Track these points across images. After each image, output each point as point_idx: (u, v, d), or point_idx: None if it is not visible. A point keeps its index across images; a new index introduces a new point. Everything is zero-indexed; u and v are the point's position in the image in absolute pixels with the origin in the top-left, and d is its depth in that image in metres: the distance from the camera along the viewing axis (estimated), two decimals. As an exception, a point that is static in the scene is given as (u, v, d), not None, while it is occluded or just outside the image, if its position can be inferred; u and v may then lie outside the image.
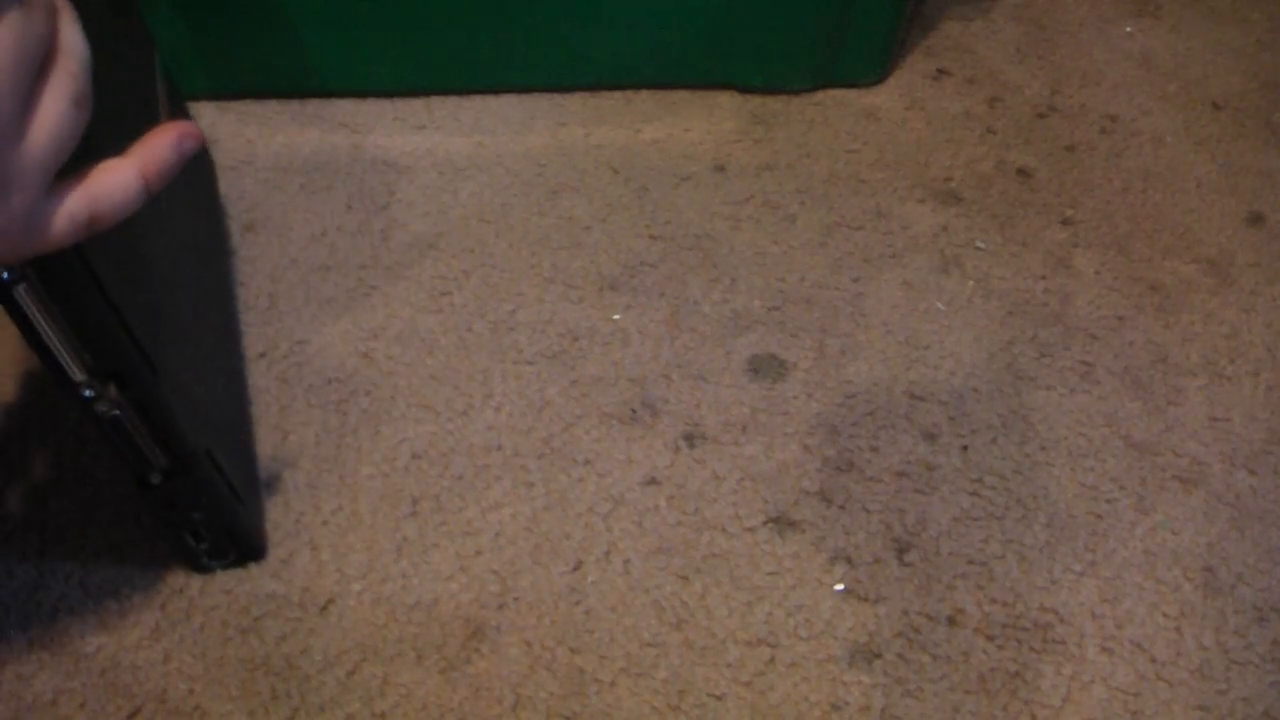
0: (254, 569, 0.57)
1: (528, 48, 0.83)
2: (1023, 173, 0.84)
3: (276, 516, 0.60)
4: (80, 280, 0.43)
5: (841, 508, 0.61)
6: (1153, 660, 0.55)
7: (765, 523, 0.60)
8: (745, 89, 0.89)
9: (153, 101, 0.59)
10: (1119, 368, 0.70)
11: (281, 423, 0.63)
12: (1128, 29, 0.99)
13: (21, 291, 0.42)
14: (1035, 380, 0.69)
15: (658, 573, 0.58)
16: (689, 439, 0.64)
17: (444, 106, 0.84)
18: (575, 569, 0.58)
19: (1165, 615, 0.57)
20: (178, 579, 0.57)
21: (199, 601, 0.56)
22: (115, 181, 0.36)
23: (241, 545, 0.57)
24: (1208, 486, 0.63)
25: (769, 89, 0.89)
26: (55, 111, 0.33)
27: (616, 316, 0.71)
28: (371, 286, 0.71)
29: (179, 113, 0.67)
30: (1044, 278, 0.75)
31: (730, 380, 0.67)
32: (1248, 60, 0.96)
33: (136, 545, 0.58)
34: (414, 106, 0.84)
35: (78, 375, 0.46)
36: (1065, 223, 0.80)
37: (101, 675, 0.53)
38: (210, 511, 0.54)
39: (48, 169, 0.33)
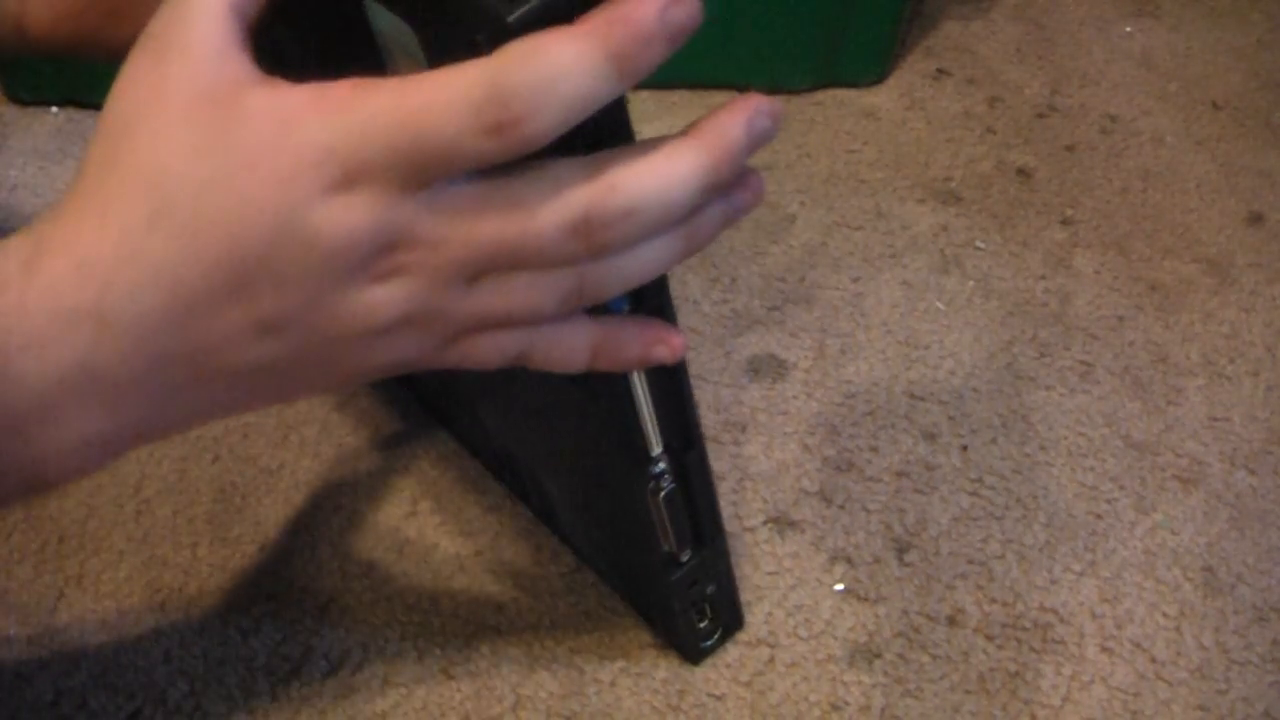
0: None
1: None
2: (1023, 173, 0.84)
3: (276, 517, 0.60)
4: None
5: (841, 508, 0.61)
6: (1153, 660, 0.55)
7: (765, 523, 0.60)
8: (745, 89, 0.89)
9: None
10: (1119, 368, 0.70)
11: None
12: (1128, 29, 0.99)
13: None
14: (1035, 380, 0.69)
15: (658, 573, 0.58)
16: (689, 439, 0.64)
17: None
18: (575, 569, 0.58)
19: (1165, 615, 0.57)
20: (175, 580, 0.57)
21: (197, 601, 0.56)
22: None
23: (731, 614, 0.53)
24: (1208, 486, 0.63)
25: (769, 89, 0.89)
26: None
27: (616, 316, 0.70)
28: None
29: None
30: (1044, 278, 0.75)
31: (730, 380, 0.67)
32: (1248, 60, 0.96)
33: (136, 544, 0.58)
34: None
35: (656, 448, 0.41)
36: (1065, 223, 0.80)
37: (101, 675, 0.53)
38: (724, 579, 0.50)
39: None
